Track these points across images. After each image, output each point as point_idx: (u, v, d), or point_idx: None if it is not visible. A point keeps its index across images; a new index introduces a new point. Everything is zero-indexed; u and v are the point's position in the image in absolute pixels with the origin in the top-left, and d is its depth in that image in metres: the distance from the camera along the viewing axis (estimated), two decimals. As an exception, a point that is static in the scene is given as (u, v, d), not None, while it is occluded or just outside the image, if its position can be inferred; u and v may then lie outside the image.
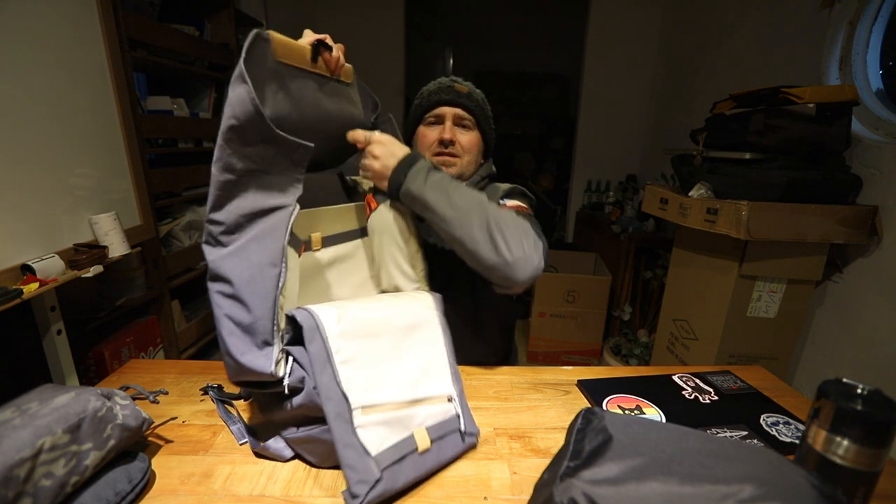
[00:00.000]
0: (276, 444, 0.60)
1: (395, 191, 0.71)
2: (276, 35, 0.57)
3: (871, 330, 1.24)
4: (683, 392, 0.78)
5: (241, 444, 0.63)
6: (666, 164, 1.84)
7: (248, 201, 0.55)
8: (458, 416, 0.62)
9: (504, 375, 0.84)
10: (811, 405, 0.49)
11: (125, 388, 0.64)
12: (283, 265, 0.55)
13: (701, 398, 0.76)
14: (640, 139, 3.04)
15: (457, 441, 0.61)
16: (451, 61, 4.78)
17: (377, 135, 0.73)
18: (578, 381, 0.81)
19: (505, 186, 0.93)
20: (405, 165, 0.71)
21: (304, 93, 0.63)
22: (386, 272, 0.75)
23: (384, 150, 0.72)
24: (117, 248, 1.12)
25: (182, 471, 0.58)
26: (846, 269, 1.32)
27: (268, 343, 0.54)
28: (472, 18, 4.40)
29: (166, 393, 0.70)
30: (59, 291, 0.99)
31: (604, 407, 0.73)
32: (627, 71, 2.94)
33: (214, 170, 0.54)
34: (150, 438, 0.64)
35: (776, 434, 0.67)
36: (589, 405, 0.75)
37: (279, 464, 0.60)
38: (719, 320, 1.38)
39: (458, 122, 0.89)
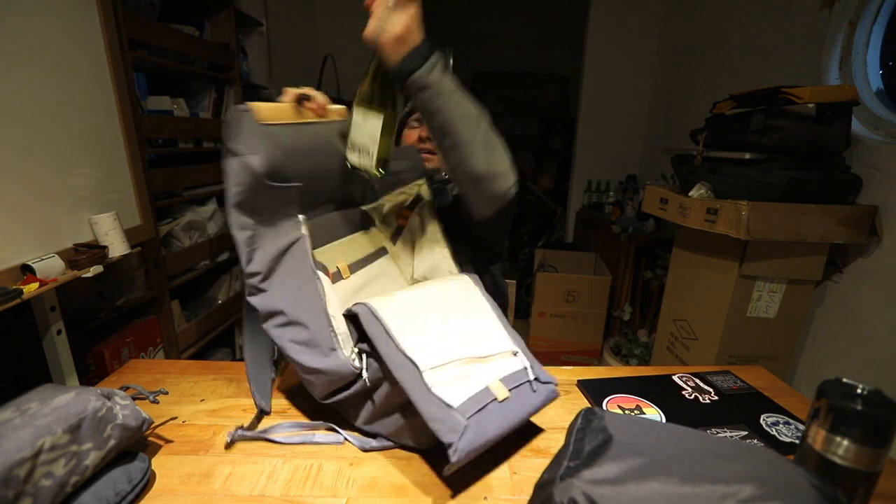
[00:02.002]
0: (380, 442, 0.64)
1: (416, 65, 0.67)
2: (255, 104, 0.62)
3: (870, 330, 1.24)
4: (683, 392, 0.78)
5: (342, 444, 0.64)
6: (666, 164, 1.84)
7: (269, 247, 0.63)
8: (526, 368, 0.64)
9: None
10: (811, 405, 0.49)
11: (125, 388, 0.64)
12: (318, 280, 0.62)
13: (701, 398, 0.76)
14: (640, 139, 3.04)
15: (529, 392, 0.62)
16: (451, 61, 4.76)
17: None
18: (578, 381, 0.81)
19: None
20: (426, 49, 0.68)
21: (296, 144, 0.67)
22: (425, 261, 0.81)
23: (413, 21, 0.68)
24: (117, 248, 1.12)
25: (182, 471, 0.58)
26: (846, 269, 1.32)
27: (333, 349, 0.60)
28: (471, 18, 4.40)
29: (166, 393, 0.70)
30: (59, 291, 0.99)
31: (604, 407, 0.73)
32: (627, 71, 2.94)
33: (235, 233, 0.62)
34: (150, 438, 0.64)
35: (776, 434, 0.67)
36: (589, 405, 0.75)
37: (279, 464, 0.60)
38: (719, 320, 1.38)
39: None
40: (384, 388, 0.60)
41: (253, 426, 0.68)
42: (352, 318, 0.61)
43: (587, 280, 2.39)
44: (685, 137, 1.60)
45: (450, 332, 0.62)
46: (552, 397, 0.65)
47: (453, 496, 0.56)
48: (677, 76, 2.58)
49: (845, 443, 0.45)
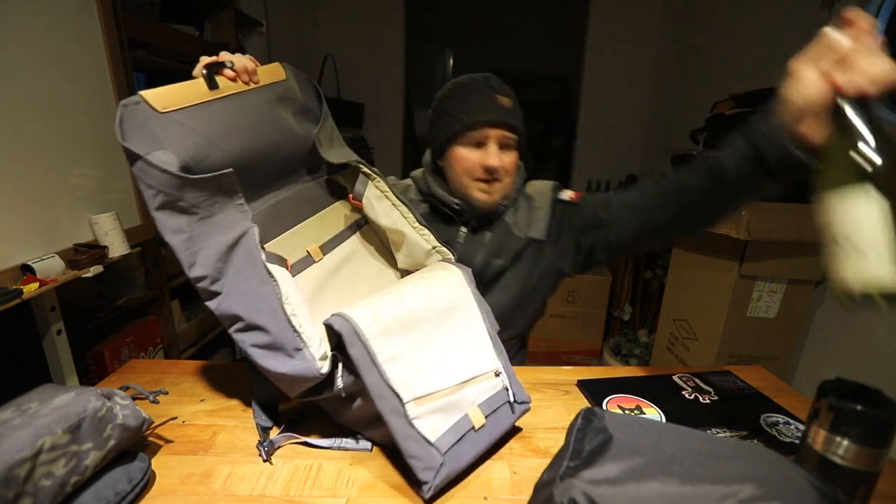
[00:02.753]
0: (322, 441, 0.62)
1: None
2: (148, 92, 0.56)
3: (870, 330, 1.24)
4: (683, 392, 0.78)
5: (371, 450, 0.62)
6: (666, 164, 1.84)
7: (213, 247, 0.57)
8: (507, 389, 0.64)
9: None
10: (811, 405, 0.49)
11: (125, 388, 0.63)
12: (273, 280, 0.56)
13: (701, 398, 0.76)
14: (640, 139, 3.04)
15: (508, 412, 0.63)
16: (451, 61, 4.78)
17: None
18: (578, 381, 0.81)
19: (545, 185, 0.93)
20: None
21: (215, 125, 0.61)
22: (401, 249, 0.76)
23: None
24: (117, 248, 1.12)
25: (182, 471, 0.58)
26: (846, 269, 1.32)
27: (298, 349, 0.55)
28: (472, 18, 4.40)
29: (166, 393, 0.70)
30: (59, 291, 0.99)
31: (604, 407, 0.73)
32: (627, 71, 2.95)
33: (167, 238, 0.56)
34: (150, 438, 0.64)
35: (776, 434, 0.67)
36: (589, 405, 0.75)
37: (279, 464, 0.60)
38: (719, 320, 1.38)
39: (501, 144, 0.81)
40: (360, 400, 0.58)
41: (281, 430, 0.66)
42: (331, 329, 0.56)
43: (587, 280, 2.39)
44: (685, 137, 1.60)
45: (437, 354, 0.60)
46: (523, 415, 0.66)
47: (453, 496, 0.56)
48: (677, 76, 2.58)
49: (845, 443, 0.45)
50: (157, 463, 0.59)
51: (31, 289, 0.87)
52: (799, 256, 1.28)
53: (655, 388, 0.79)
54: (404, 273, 0.82)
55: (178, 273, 1.60)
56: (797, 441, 0.65)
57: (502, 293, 0.88)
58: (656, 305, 2.26)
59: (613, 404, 0.73)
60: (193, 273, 0.57)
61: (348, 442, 0.62)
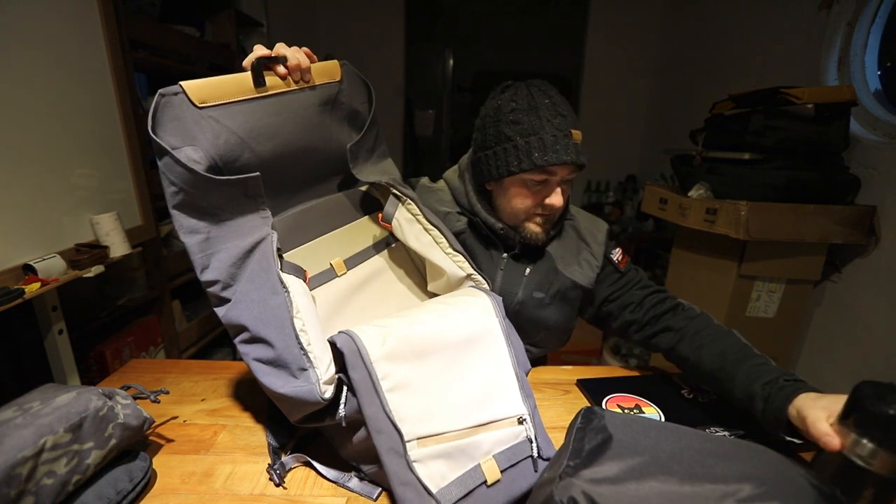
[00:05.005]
0: (328, 472, 0.57)
1: None
2: (189, 83, 0.53)
3: (869, 329, 1.24)
4: (683, 391, 0.78)
5: (376, 499, 0.54)
6: (666, 164, 1.84)
7: (228, 251, 0.54)
8: (531, 441, 0.54)
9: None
10: (844, 405, 0.46)
11: (126, 388, 0.64)
12: (286, 291, 0.52)
13: (700, 397, 0.76)
14: (640, 139, 3.04)
15: (529, 470, 0.53)
16: (451, 61, 4.77)
17: None
18: (578, 380, 0.82)
19: (599, 228, 0.86)
20: None
21: (253, 126, 0.57)
22: (433, 274, 0.72)
23: None
24: (118, 248, 1.12)
25: (183, 470, 0.59)
26: (844, 269, 1.32)
27: (303, 369, 0.50)
28: (472, 18, 4.39)
29: (167, 392, 0.70)
30: (60, 291, 0.99)
31: (603, 406, 0.73)
32: (627, 71, 2.95)
33: (183, 238, 0.53)
34: (151, 438, 0.64)
35: (775, 433, 0.67)
36: (589, 405, 0.75)
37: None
38: (719, 320, 1.38)
39: (567, 180, 0.76)
40: (363, 432, 0.51)
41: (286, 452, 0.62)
42: (333, 347, 0.51)
43: (587, 280, 2.39)
44: (685, 137, 1.60)
45: (451, 389, 0.53)
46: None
47: (453, 495, 0.56)
48: (677, 76, 2.58)
49: (871, 446, 0.43)
50: (158, 462, 0.59)
51: (32, 288, 0.87)
52: (798, 256, 1.28)
53: (655, 388, 0.79)
54: (433, 296, 0.76)
55: (178, 273, 1.60)
56: (796, 440, 0.66)
57: (541, 327, 0.84)
58: (656, 305, 2.26)
59: (613, 403, 0.74)
60: (205, 277, 0.54)
61: (354, 483, 0.55)
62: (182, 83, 0.52)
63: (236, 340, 0.55)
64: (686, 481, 0.40)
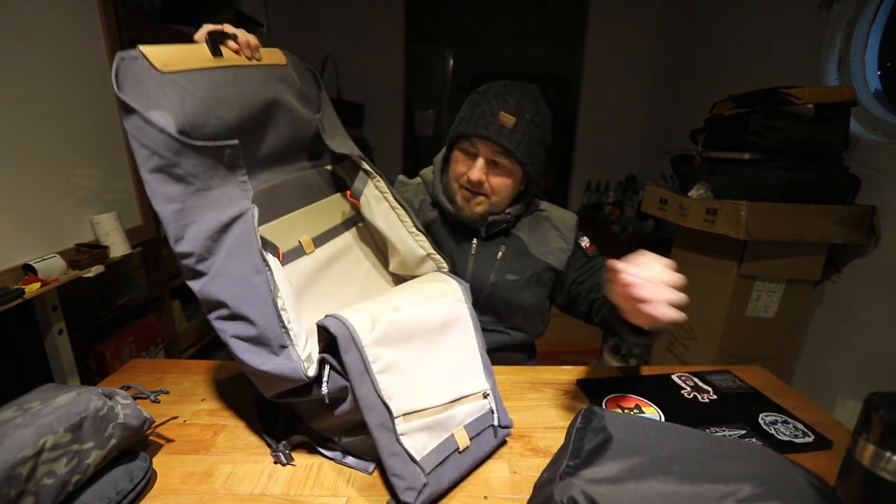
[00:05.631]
0: (328, 452, 0.60)
1: None
2: (148, 48, 0.52)
3: (869, 329, 1.24)
4: (682, 391, 0.78)
5: (371, 472, 0.58)
6: (666, 164, 1.84)
7: (206, 223, 0.53)
8: (492, 412, 0.62)
9: (504, 375, 0.84)
10: (858, 417, 0.46)
11: (126, 388, 0.64)
12: (268, 268, 0.53)
13: (700, 397, 0.76)
14: (639, 139, 3.04)
15: (491, 437, 0.61)
16: (451, 61, 4.77)
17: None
18: (578, 380, 0.82)
19: (570, 218, 0.92)
20: None
21: (216, 93, 0.57)
22: (395, 253, 0.75)
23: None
24: (118, 247, 1.12)
25: (183, 470, 0.59)
26: (844, 269, 1.32)
27: (283, 346, 0.52)
28: (472, 18, 4.39)
29: (167, 392, 0.70)
30: (60, 291, 0.99)
31: (603, 406, 0.73)
32: (627, 71, 2.95)
33: (157, 206, 0.51)
34: (151, 438, 0.64)
35: (774, 433, 0.67)
36: (589, 405, 0.75)
37: (280, 463, 0.60)
38: (718, 320, 1.38)
39: (492, 161, 0.79)
40: (346, 406, 0.55)
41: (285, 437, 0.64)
42: (325, 331, 0.53)
43: (587, 280, 2.39)
44: (685, 137, 1.60)
45: (430, 370, 0.58)
46: (503, 443, 0.64)
47: (453, 495, 0.56)
48: (677, 76, 2.58)
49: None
50: (158, 462, 0.59)
51: (32, 288, 0.87)
52: (798, 256, 1.28)
53: (655, 388, 0.79)
54: (395, 277, 0.80)
55: (178, 273, 1.59)
56: (795, 440, 0.66)
57: (518, 309, 0.89)
58: (656, 305, 2.26)
59: (613, 404, 0.74)
60: (179, 248, 0.53)
61: (350, 459, 0.60)
62: (140, 47, 0.51)
63: (212, 316, 0.55)
64: (686, 481, 0.40)
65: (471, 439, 0.58)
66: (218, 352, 1.91)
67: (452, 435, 0.57)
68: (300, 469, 0.59)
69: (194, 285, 0.54)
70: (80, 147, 1.08)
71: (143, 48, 0.52)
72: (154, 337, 1.47)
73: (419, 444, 0.53)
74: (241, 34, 0.61)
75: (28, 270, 0.90)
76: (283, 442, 0.61)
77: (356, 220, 0.79)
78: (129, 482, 0.53)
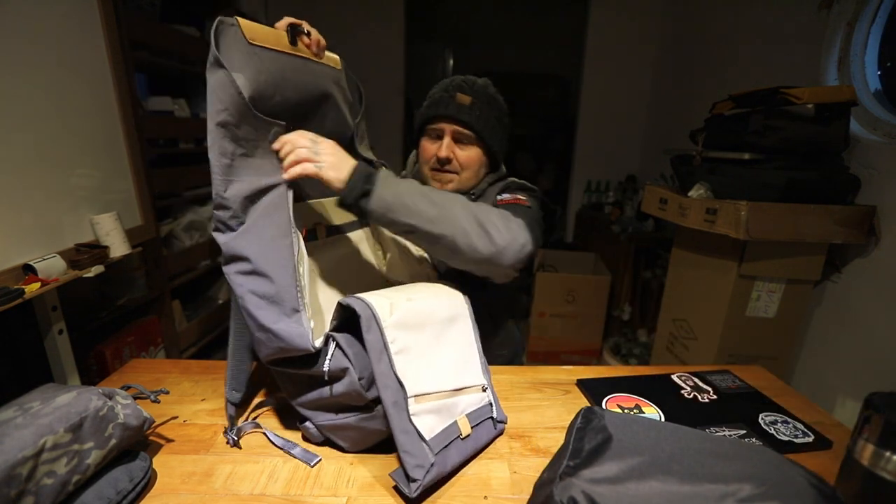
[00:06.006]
0: (310, 429, 0.63)
1: (358, 196, 0.63)
2: (243, 20, 0.58)
3: (869, 329, 1.24)
4: (682, 391, 0.78)
5: (313, 466, 0.60)
6: (665, 164, 1.84)
7: (246, 184, 0.57)
8: (491, 405, 0.66)
9: (504, 375, 0.84)
10: (858, 417, 0.46)
11: (126, 388, 0.64)
12: (295, 235, 0.58)
13: (700, 397, 0.76)
14: (639, 139, 3.04)
15: (490, 427, 0.65)
16: (451, 61, 4.77)
17: (319, 138, 0.65)
18: (578, 380, 0.82)
19: (510, 184, 0.92)
20: (363, 173, 0.64)
21: (286, 75, 0.63)
22: (397, 253, 0.80)
23: (336, 153, 0.64)
24: (118, 248, 1.12)
25: (183, 470, 0.59)
26: (845, 269, 1.32)
27: (296, 310, 0.56)
28: (472, 18, 4.40)
29: (167, 392, 0.70)
30: (60, 291, 0.99)
31: (603, 406, 0.73)
32: (627, 71, 2.95)
33: (212, 156, 0.56)
34: (151, 438, 0.64)
35: (774, 433, 0.67)
36: (589, 405, 0.75)
37: (280, 463, 0.60)
38: (719, 320, 1.38)
39: (456, 137, 0.86)
40: (342, 387, 0.57)
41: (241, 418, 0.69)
42: (345, 309, 0.57)
43: (587, 280, 2.39)
44: (685, 137, 1.60)
45: (438, 358, 0.62)
46: (499, 435, 0.68)
47: (453, 496, 0.56)
48: (677, 76, 2.58)
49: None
50: (158, 462, 0.59)
51: (32, 288, 0.87)
52: (798, 256, 1.28)
53: (655, 388, 0.79)
54: (388, 279, 0.84)
55: (178, 273, 1.60)
56: (795, 440, 0.66)
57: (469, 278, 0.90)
58: (656, 305, 2.27)
59: (613, 403, 0.74)
60: (219, 200, 0.57)
61: (297, 451, 0.62)
62: (237, 18, 0.57)
63: (232, 270, 0.57)
64: (686, 481, 0.40)
65: (472, 428, 0.61)
66: (218, 351, 1.91)
67: (456, 421, 0.60)
68: (300, 469, 0.59)
69: (222, 238, 0.58)
70: (80, 147, 1.08)
71: (239, 19, 0.57)
72: (154, 337, 1.47)
73: (427, 425, 0.56)
74: (315, 33, 0.67)
75: (28, 270, 0.90)
76: (238, 426, 0.65)
77: (366, 223, 0.85)
78: (130, 482, 0.53)
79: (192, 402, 0.74)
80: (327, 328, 0.60)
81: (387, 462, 0.61)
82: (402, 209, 0.64)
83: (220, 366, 0.86)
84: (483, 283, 0.81)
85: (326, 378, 0.57)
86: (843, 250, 1.31)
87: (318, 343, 0.56)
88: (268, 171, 0.59)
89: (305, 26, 0.66)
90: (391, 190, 0.64)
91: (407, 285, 0.72)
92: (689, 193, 1.40)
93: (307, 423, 0.63)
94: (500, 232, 0.68)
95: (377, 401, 0.57)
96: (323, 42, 0.69)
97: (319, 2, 3.00)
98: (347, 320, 0.58)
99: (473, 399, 0.64)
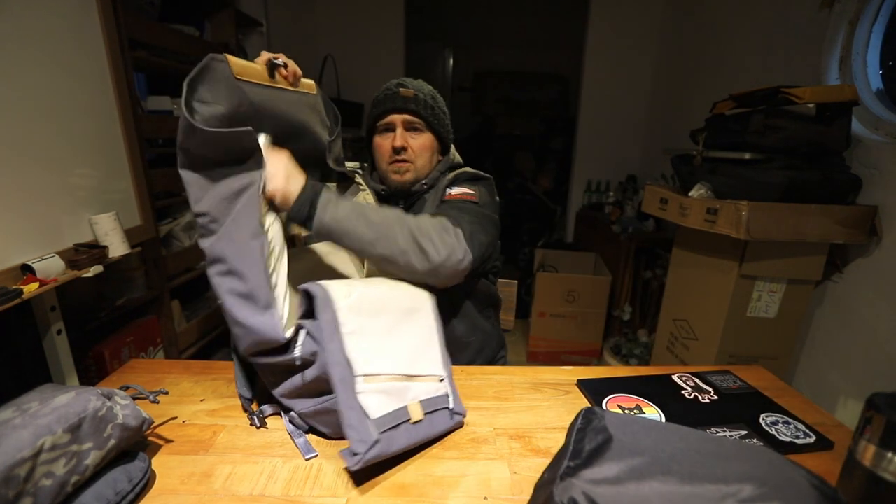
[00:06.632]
0: (294, 419, 0.67)
1: (302, 220, 0.68)
2: (231, 57, 0.63)
3: (870, 329, 1.24)
4: (683, 392, 0.78)
5: (308, 459, 0.62)
6: (666, 164, 1.84)
7: (222, 187, 0.62)
8: (447, 396, 0.68)
9: (504, 375, 0.84)
10: (860, 417, 0.46)
11: (125, 388, 0.64)
12: (264, 236, 0.62)
13: (700, 398, 0.76)
14: (640, 139, 3.04)
15: (446, 418, 0.67)
16: (451, 61, 4.77)
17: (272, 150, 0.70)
18: (578, 380, 0.82)
19: (459, 175, 0.95)
20: (309, 194, 0.68)
21: (265, 104, 0.68)
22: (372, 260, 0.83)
23: (283, 168, 0.68)
24: (117, 248, 1.12)
25: (182, 470, 0.58)
26: (846, 269, 1.32)
27: (269, 306, 0.60)
28: (472, 18, 4.40)
29: (166, 393, 0.70)
30: (59, 291, 0.99)
31: (604, 406, 0.73)
32: (627, 71, 2.94)
33: (184, 173, 0.62)
34: (150, 438, 0.64)
35: (775, 433, 0.67)
36: (589, 405, 0.75)
37: (279, 463, 0.60)
38: (719, 320, 1.38)
39: (408, 127, 0.92)
40: (314, 371, 0.60)
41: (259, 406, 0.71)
42: (307, 294, 0.62)
43: (587, 280, 2.39)
44: (685, 137, 1.60)
45: (391, 344, 0.65)
46: (457, 427, 0.69)
47: (453, 496, 0.56)
48: (677, 76, 2.58)
49: None
50: (157, 463, 0.59)
51: (31, 289, 0.87)
52: (799, 256, 1.28)
53: (655, 388, 0.79)
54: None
55: (178, 273, 1.59)
56: (796, 440, 0.66)
57: None
58: (656, 305, 2.26)
59: (613, 404, 0.73)
60: (198, 208, 0.62)
61: (301, 441, 0.65)
62: (227, 55, 0.63)
63: (213, 271, 0.63)
64: (686, 482, 0.40)
65: (424, 414, 0.64)
66: (217, 352, 1.91)
67: (406, 406, 0.62)
68: (300, 469, 0.59)
69: (204, 243, 0.63)
70: (79, 147, 1.08)
71: (229, 56, 0.63)
72: (153, 337, 1.46)
73: (374, 404, 0.59)
74: (292, 64, 0.72)
75: (26, 270, 0.90)
76: (261, 408, 0.69)
77: None
78: (128, 483, 0.53)
79: (192, 402, 0.74)
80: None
81: (387, 462, 0.61)
82: (342, 234, 0.69)
83: (219, 366, 0.86)
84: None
85: (299, 363, 0.61)
86: (845, 250, 1.31)
87: (289, 334, 0.60)
88: (242, 174, 0.63)
89: (282, 59, 0.71)
90: (330, 215, 0.68)
91: (375, 278, 0.76)
92: (690, 193, 1.40)
93: (291, 413, 0.66)
94: (437, 249, 0.71)
95: None
96: (299, 73, 0.74)
97: (319, 2, 3.00)
98: (311, 308, 0.62)
99: (429, 388, 0.66)
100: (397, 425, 0.60)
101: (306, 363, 0.61)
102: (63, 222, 1.03)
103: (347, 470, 0.59)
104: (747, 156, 1.27)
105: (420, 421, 0.63)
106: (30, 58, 0.94)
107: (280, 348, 0.62)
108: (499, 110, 4.49)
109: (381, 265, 0.74)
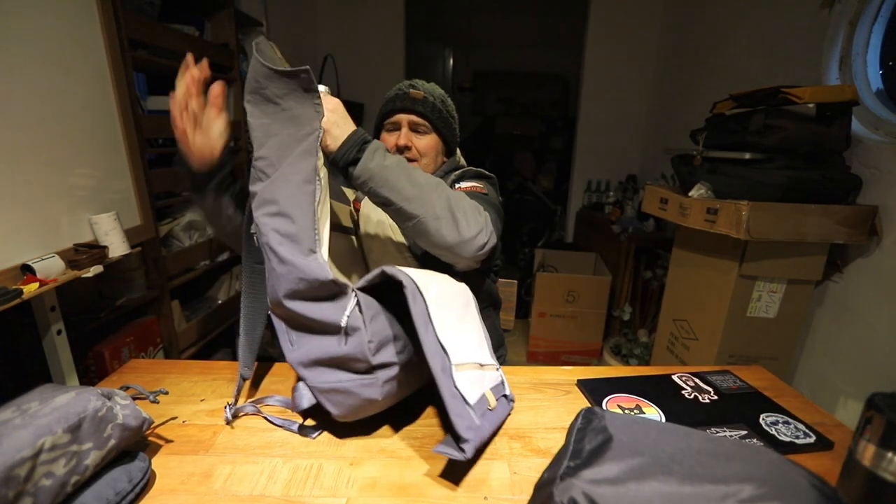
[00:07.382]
0: (300, 391, 0.65)
1: (347, 162, 0.69)
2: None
3: (870, 329, 1.24)
4: (683, 392, 0.78)
5: (314, 437, 0.65)
6: (666, 164, 1.84)
7: (283, 135, 0.64)
8: (503, 383, 0.72)
9: (504, 375, 0.84)
10: (860, 417, 0.46)
11: (125, 388, 0.64)
12: (318, 182, 0.63)
13: (700, 398, 0.76)
14: (640, 139, 3.04)
15: (505, 404, 0.70)
16: (451, 61, 4.77)
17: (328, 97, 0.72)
18: (578, 380, 0.81)
19: (460, 172, 0.96)
20: (358, 140, 0.70)
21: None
22: (381, 245, 0.87)
23: (336, 112, 0.70)
24: (117, 247, 1.12)
25: (182, 471, 0.58)
26: (846, 269, 1.32)
27: (313, 251, 0.61)
28: (472, 18, 4.40)
29: (166, 393, 0.70)
30: (59, 291, 0.99)
31: (604, 406, 0.73)
32: (627, 71, 2.95)
33: (251, 120, 0.64)
34: (150, 438, 0.64)
35: (776, 434, 0.67)
36: (589, 405, 0.75)
37: (279, 463, 0.60)
38: (719, 320, 1.38)
39: (413, 127, 0.93)
40: (351, 344, 0.59)
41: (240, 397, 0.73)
42: (387, 277, 0.61)
43: (587, 280, 2.39)
44: (685, 137, 1.60)
45: (464, 333, 0.66)
46: (510, 412, 0.72)
47: (453, 496, 0.56)
48: (677, 76, 2.58)
49: None
50: (157, 463, 0.59)
51: (31, 289, 0.87)
52: (799, 256, 1.28)
53: (655, 388, 0.79)
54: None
55: (178, 273, 1.59)
56: (796, 440, 0.66)
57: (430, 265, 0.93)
58: (656, 305, 2.26)
59: (613, 404, 0.73)
60: (259, 153, 0.63)
61: (296, 426, 0.67)
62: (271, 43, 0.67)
63: (261, 212, 0.63)
64: (687, 482, 0.40)
65: (496, 400, 0.66)
66: (217, 352, 1.91)
67: (485, 394, 0.64)
68: (300, 469, 0.59)
69: (256, 186, 0.63)
70: (79, 146, 1.07)
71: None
72: (153, 337, 1.46)
73: (468, 391, 0.60)
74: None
75: (26, 270, 0.90)
76: (237, 407, 0.69)
77: (354, 231, 0.94)
78: (128, 483, 0.53)
79: (192, 402, 0.74)
80: None
81: (387, 462, 0.61)
82: (383, 182, 0.69)
83: (219, 366, 0.86)
84: (449, 267, 0.84)
85: (342, 328, 0.59)
86: (845, 250, 1.31)
87: (332, 276, 0.59)
88: (303, 122, 0.64)
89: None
90: (377, 162, 0.69)
91: (418, 269, 0.74)
92: (690, 193, 1.40)
93: (299, 385, 0.64)
94: (469, 224, 0.72)
95: (381, 366, 0.60)
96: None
97: (319, 2, 3.00)
98: (376, 287, 0.62)
99: (493, 376, 0.69)
100: (484, 413, 0.61)
101: (349, 331, 0.60)
102: (63, 222, 1.03)
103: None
104: (747, 156, 1.27)
105: (494, 408, 0.64)
106: (29, 58, 0.94)
107: (328, 297, 0.61)
108: (499, 110, 4.49)
109: (407, 228, 0.73)
